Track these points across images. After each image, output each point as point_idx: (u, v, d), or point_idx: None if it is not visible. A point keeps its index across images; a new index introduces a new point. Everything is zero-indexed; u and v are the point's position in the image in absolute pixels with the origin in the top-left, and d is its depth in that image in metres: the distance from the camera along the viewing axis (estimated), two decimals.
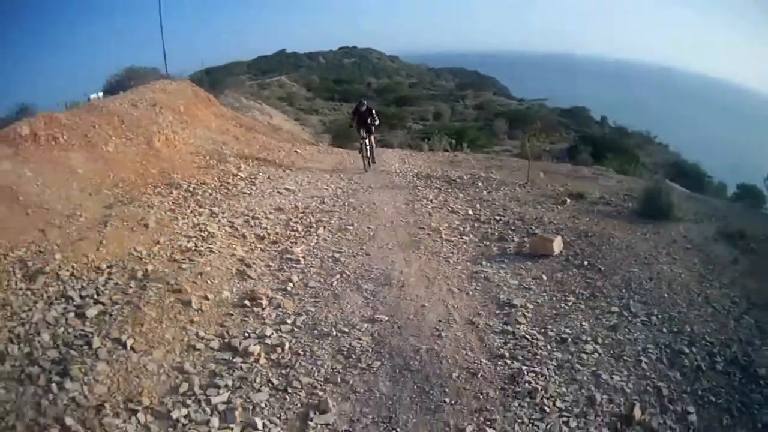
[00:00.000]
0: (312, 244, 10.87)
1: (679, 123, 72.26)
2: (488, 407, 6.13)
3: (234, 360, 6.99)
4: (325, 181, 16.15)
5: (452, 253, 10.47)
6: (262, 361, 7.00)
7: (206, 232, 10.83)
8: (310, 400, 6.31)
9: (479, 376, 6.64)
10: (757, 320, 7.72)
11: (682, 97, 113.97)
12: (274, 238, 11.13)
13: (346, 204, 13.63)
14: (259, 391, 6.45)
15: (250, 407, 6.19)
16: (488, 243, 10.95)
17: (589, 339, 7.36)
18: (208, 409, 6.09)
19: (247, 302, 8.42)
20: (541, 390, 6.33)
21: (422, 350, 7.14)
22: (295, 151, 21.27)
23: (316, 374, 6.77)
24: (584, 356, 6.99)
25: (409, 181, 16.18)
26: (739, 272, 9.15)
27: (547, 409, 6.06)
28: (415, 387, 6.47)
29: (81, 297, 7.75)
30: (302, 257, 10.13)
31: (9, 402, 5.71)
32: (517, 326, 7.70)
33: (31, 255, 8.42)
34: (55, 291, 7.79)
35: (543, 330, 7.63)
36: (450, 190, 14.95)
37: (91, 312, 7.40)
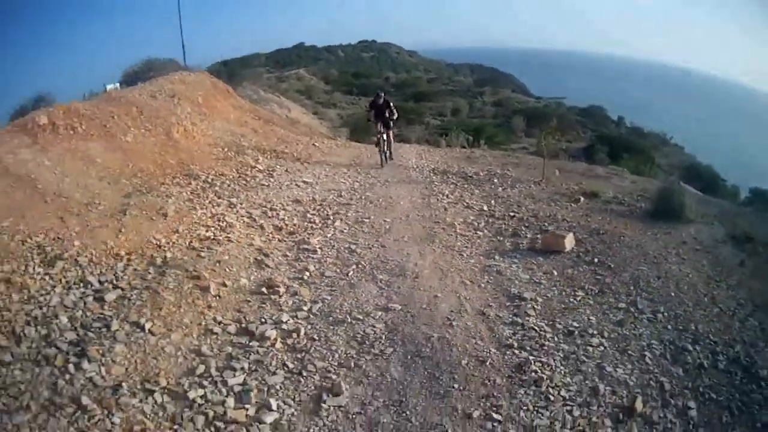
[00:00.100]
0: (329, 235, 11.04)
1: (696, 125, 71.95)
2: (495, 394, 6.32)
3: (250, 344, 7.18)
4: (342, 175, 16.27)
5: (466, 247, 10.63)
6: (278, 345, 7.18)
7: (224, 222, 11.03)
8: (324, 383, 6.50)
9: (488, 364, 6.83)
10: (761, 322, 7.81)
11: (699, 99, 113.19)
12: (292, 229, 11.31)
13: (363, 197, 13.79)
14: (274, 374, 6.64)
15: (266, 389, 6.38)
16: (502, 238, 11.10)
17: (595, 332, 7.52)
18: (224, 390, 6.27)
19: (264, 290, 8.59)
20: (547, 379, 6.51)
21: (434, 338, 7.34)
22: (313, 144, 21.41)
23: (330, 359, 6.97)
24: (590, 349, 7.15)
25: (426, 177, 16.29)
26: (745, 275, 9.22)
27: (552, 398, 6.23)
28: (426, 373, 6.67)
29: (100, 282, 7.93)
30: (319, 248, 10.31)
31: (24, 382, 5.84)
32: (527, 318, 7.88)
33: (50, 241, 8.56)
34: (73, 276, 7.93)
35: (551, 322, 7.80)
36: (466, 186, 15.06)
37: (110, 296, 7.58)
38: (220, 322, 7.64)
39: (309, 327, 7.66)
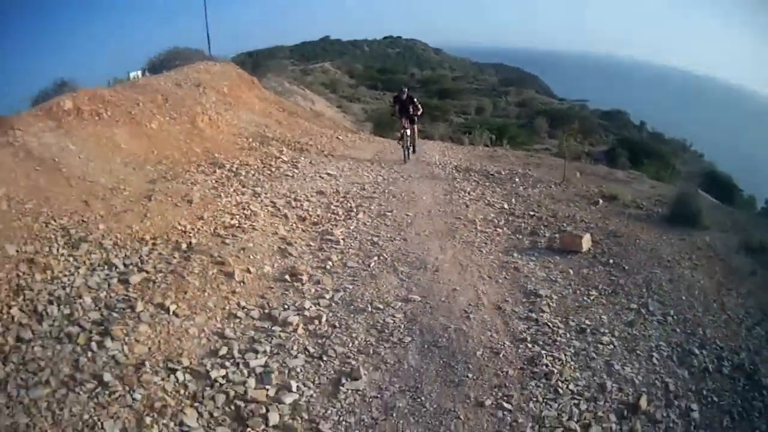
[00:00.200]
0: (351, 227, 11.27)
1: (717, 133, 71.19)
2: (507, 384, 6.57)
3: (273, 329, 7.45)
4: (365, 169, 16.46)
5: (485, 243, 10.82)
6: (300, 331, 7.46)
7: (249, 211, 11.27)
8: (343, 368, 6.77)
9: (501, 355, 7.09)
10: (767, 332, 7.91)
11: (722, 107, 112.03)
12: (315, 220, 11.55)
13: (386, 191, 14.00)
14: (295, 357, 6.91)
15: (286, 371, 6.65)
16: (520, 236, 11.28)
17: (606, 331, 7.72)
18: (245, 371, 6.54)
19: (287, 277, 8.87)
20: (557, 373, 6.74)
21: (451, 329, 7.60)
22: (337, 137, 21.62)
23: (350, 345, 7.25)
24: (600, 346, 7.35)
25: (449, 173, 16.43)
26: (756, 284, 9.24)
27: (561, 391, 6.46)
28: (442, 362, 6.93)
29: (125, 265, 8.19)
30: (342, 239, 10.56)
31: (44, 359, 6.02)
32: (541, 314, 8.11)
33: (74, 224, 8.80)
34: (97, 258, 8.17)
35: (565, 319, 8.02)
36: (487, 184, 15.20)
37: (135, 279, 7.83)
38: (243, 307, 7.93)
39: (330, 314, 7.94)
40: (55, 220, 8.65)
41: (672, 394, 6.59)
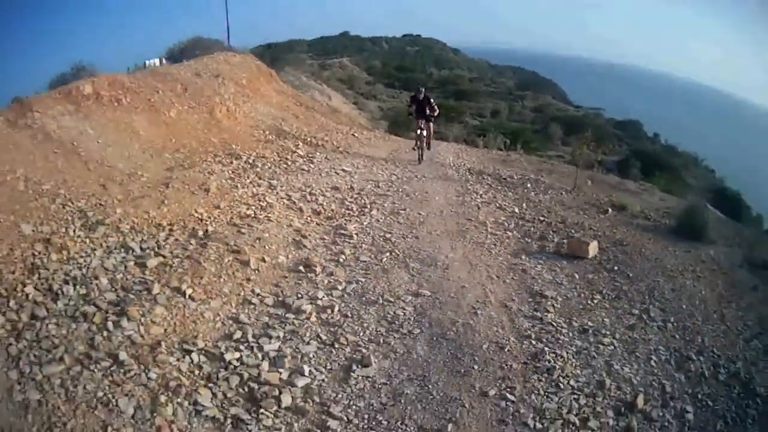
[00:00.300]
0: (365, 223, 11.49)
1: (730, 150, 70.88)
2: (510, 377, 6.88)
3: (287, 316, 7.74)
4: (380, 167, 16.58)
5: (495, 245, 11.04)
6: (313, 319, 7.75)
7: (265, 203, 11.49)
8: (354, 356, 7.07)
9: (506, 350, 7.40)
10: (765, 345, 8.07)
11: (736, 123, 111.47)
12: (330, 214, 11.78)
13: (400, 190, 14.18)
14: (308, 343, 7.21)
15: (299, 356, 6.93)
16: (529, 240, 11.47)
17: (608, 333, 8.00)
18: (259, 355, 6.82)
19: (301, 268, 9.14)
20: (559, 369, 7.04)
21: (458, 323, 7.90)
22: (353, 134, 21.77)
23: (361, 334, 7.54)
24: (601, 347, 7.64)
25: (462, 175, 16.55)
26: (757, 299, 9.42)
27: (562, 386, 6.76)
28: (449, 353, 7.24)
29: (141, 249, 8.42)
30: (355, 234, 10.79)
31: (59, 337, 6.15)
32: (546, 314, 8.40)
33: (92, 207, 8.99)
34: (114, 241, 8.37)
35: (568, 320, 8.30)
36: (500, 188, 15.34)
37: (152, 262, 8.06)
38: (258, 294, 8.20)
39: (343, 305, 8.23)
40: (72, 203, 8.82)
41: (668, 395, 6.86)
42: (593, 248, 10.74)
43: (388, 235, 10.94)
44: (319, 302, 8.18)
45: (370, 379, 6.68)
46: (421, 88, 18.64)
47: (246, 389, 6.26)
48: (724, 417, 6.64)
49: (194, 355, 6.55)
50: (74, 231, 8.18)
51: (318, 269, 9.17)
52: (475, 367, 7.03)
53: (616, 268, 10.24)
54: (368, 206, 12.58)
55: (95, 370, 5.83)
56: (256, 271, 8.76)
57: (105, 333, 6.40)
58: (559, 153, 38.32)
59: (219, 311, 7.57)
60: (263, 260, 9.12)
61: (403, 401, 6.37)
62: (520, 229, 12.10)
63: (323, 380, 6.62)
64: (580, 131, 33.95)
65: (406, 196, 13.72)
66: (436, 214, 12.54)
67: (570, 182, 15.97)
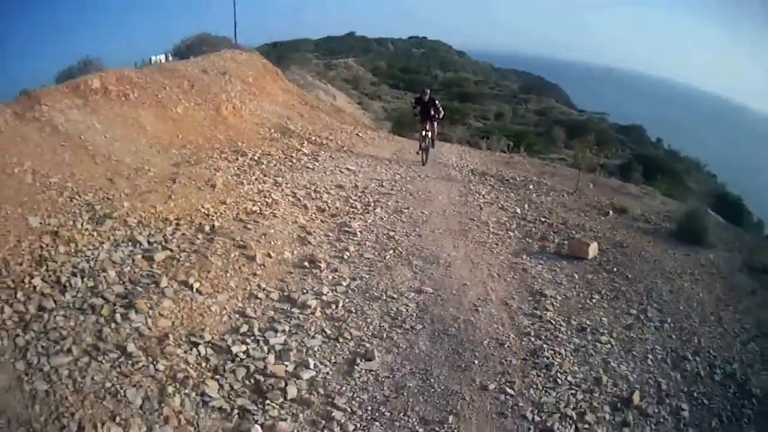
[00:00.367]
0: (369, 221, 11.61)
1: (732, 155, 70.74)
2: (510, 372, 7.02)
3: (292, 310, 7.84)
4: (384, 166, 16.66)
5: (497, 244, 11.16)
6: (318, 313, 7.86)
7: (270, 199, 11.58)
8: (358, 350, 7.19)
9: (506, 346, 7.54)
10: (762, 348, 8.18)
11: (738, 129, 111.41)
12: (334, 212, 11.88)
13: (403, 189, 14.28)
14: (313, 337, 7.31)
15: (304, 350, 7.03)
16: (531, 240, 11.61)
17: (605, 332, 8.14)
18: (265, 348, 6.91)
19: (306, 264, 9.26)
20: (557, 365, 7.19)
21: (460, 320, 8.04)
22: (357, 134, 21.81)
23: (364, 329, 7.66)
24: (599, 345, 7.78)
25: (465, 176, 16.69)
26: (755, 303, 9.56)
27: (560, 382, 6.91)
28: (450, 348, 7.37)
29: (149, 242, 8.48)
30: (359, 231, 10.90)
31: (66, 328, 6.17)
32: (545, 312, 8.54)
33: (99, 200, 9.01)
34: (122, 235, 8.40)
35: (567, 319, 8.43)
36: (502, 189, 15.47)
37: (159, 256, 8.12)
38: (263, 289, 8.31)
39: (347, 300, 8.35)
40: (79, 196, 8.86)
41: (664, 393, 7.00)
42: (593, 249, 10.87)
43: (391, 233, 11.06)
44: (324, 297, 8.29)
45: (373, 373, 6.80)
46: (426, 89, 18.46)
47: (252, 381, 6.36)
48: (719, 415, 6.74)
49: (201, 348, 6.63)
50: (82, 224, 8.23)
51: (323, 265, 9.29)
52: (476, 362, 7.17)
53: (615, 269, 10.37)
54: (372, 205, 12.69)
55: (103, 361, 5.89)
56: (262, 267, 8.86)
57: (113, 325, 6.45)
58: (561, 156, 38.29)
59: (226, 305, 7.67)
60: (269, 256, 9.23)
61: (405, 394, 6.50)
62: (521, 230, 12.23)
63: (328, 373, 6.73)
64: (583, 135, 33.99)
65: (410, 196, 13.84)
66: (438, 214, 12.66)
67: (572, 185, 16.09)
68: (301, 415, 6.00)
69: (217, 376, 6.30)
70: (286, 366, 6.67)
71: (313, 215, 11.55)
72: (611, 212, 13.78)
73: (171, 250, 8.43)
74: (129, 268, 7.70)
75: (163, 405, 5.64)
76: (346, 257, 9.79)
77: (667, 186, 24.72)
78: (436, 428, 6.03)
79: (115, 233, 8.37)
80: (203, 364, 6.44)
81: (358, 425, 5.96)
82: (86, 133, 10.82)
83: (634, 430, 6.35)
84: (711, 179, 52.38)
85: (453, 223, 12.17)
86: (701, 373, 7.47)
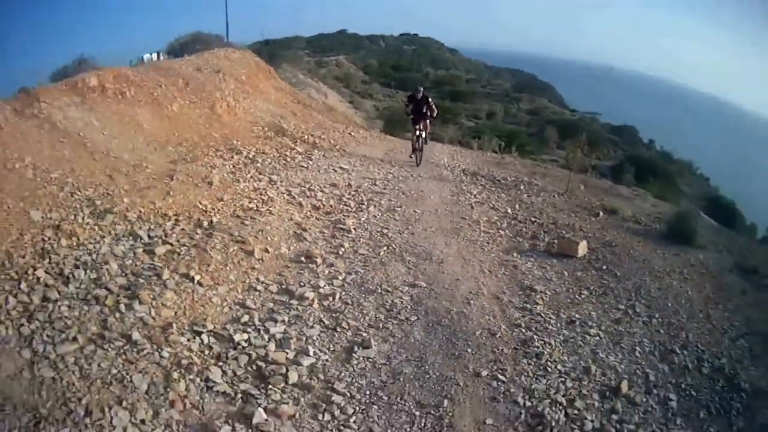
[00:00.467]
0: (362, 219, 11.80)
1: (726, 159, 71.00)
2: (501, 360, 7.27)
3: (290, 302, 8.05)
4: (376, 165, 16.85)
5: (488, 242, 11.37)
6: (315, 305, 8.07)
7: (266, 196, 11.79)
8: (355, 338, 7.41)
9: (497, 336, 7.80)
10: (751, 345, 8.32)
11: (733, 132, 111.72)
12: (328, 210, 12.08)
13: (396, 188, 14.50)
14: (312, 327, 7.53)
15: (304, 338, 7.25)
16: (521, 239, 11.81)
17: (594, 325, 8.38)
18: (266, 337, 7.11)
19: (303, 259, 9.46)
20: (547, 355, 7.44)
21: (453, 312, 8.28)
22: (349, 133, 21.99)
23: (361, 320, 7.89)
24: (587, 337, 8.03)
25: (456, 176, 16.85)
26: (746, 302, 9.72)
27: (550, 370, 7.16)
28: (444, 338, 7.62)
29: (149, 237, 8.65)
30: (353, 229, 11.11)
31: (71, 318, 6.29)
32: (535, 306, 8.79)
33: (99, 196, 9.16)
34: (122, 229, 8.56)
35: (556, 312, 8.68)
36: (493, 189, 15.64)
37: (160, 250, 8.31)
38: (262, 282, 8.52)
39: (343, 293, 8.56)
40: (80, 191, 9.00)
41: (652, 383, 7.22)
42: (582, 248, 11.08)
43: (385, 231, 11.26)
44: (321, 290, 8.49)
45: (370, 360, 7.02)
46: (419, 87, 18.55)
47: (254, 367, 6.55)
48: (707, 407, 6.93)
49: (204, 337, 6.80)
50: (83, 218, 8.36)
51: (319, 260, 9.49)
52: (469, 350, 7.41)
53: (604, 267, 10.59)
54: (365, 203, 12.89)
55: (109, 349, 6.02)
56: (260, 261, 9.06)
57: (117, 315, 6.60)
58: (553, 157, 38.31)
59: (226, 296, 7.86)
60: (266, 251, 9.43)
61: (402, 379, 6.73)
62: (512, 229, 12.43)
63: (327, 360, 6.94)
64: (575, 135, 34.23)
65: (402, 194, 14.04)
66: (431, 212, 12.87)
67: (563, 186, 16.26)
68: (302, 399, 6.20)
69: (220, 363, 6.48)
70: (287, 353, 6.87)
71: (308, 213, 11.73)
72: (601, 213, 13.95)
73: (171, 245, 8.60)
74: (131, 261, 7.85)
75: (168, 390, 5.79)
76: (341, 253, 9.99)
77: (659, 188, 24.71)
78: (432, 411, 6.26)
79: (115, 228, 8.52)
80: (206, 352, 6.61)
81: (357, 408, 6.18)
82: (85, 130, 10.95)
83: (623, 417, 6.54)
84: (704, 182, 52.70)
85: (445, 221, 12.37)
86: (689, 366, 7.67)
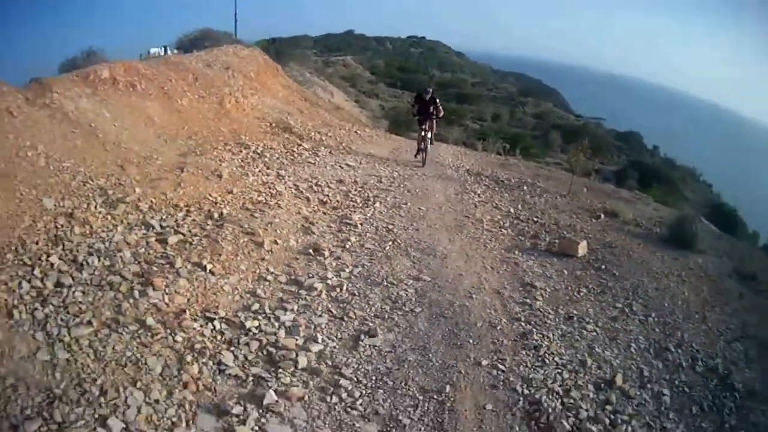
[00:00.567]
0: (368, 214, 12.03)
1: (729, 167, 71.01)
2: (501, 351, 7.55)
3: (299, 292, 8.33)
4: (382, 163, 17.01)
5: (490, 240, 11.61)
6: (323, 296, 8.34)
7: (274, 190, 11.98)
8: (362, 327, 7.70)
9: (498, 328, 8.08)
10: (746, 349, 8.49)
11: (737, 141, 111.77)
12: (335, 205, 12.32)
13: (401, 186, 14.70)
14: (320, 316, 7.81)
15: (312, 326, 7.52)
16: (523, 238, 12.04)
17: (591, 321, 8.64)
18: (276, 324, 7.37)
19: (311, 251, 9.72)
20: (545, 347, 7.71)
21: (456, 304, 8.56)
22: (355, 131, 22.07)
23: (367, 310, 8.17)
24: (584, 332, 8.29)
25: (461, 176, 16.99)
26: (743, 307, 9.88)
27: (547, 362, 7.42)
28: (447, 329, 7.90)
29: (161, 226, 8.82)
30: (360, 224, 11.34)
31: (85, 303, 6.42)
32: (535, 302, 9.05)
33: (111, 185, 9.27)
34: (135, 219, 8.72)
35: (555, 308, 8.93)
36: (497, 189, 15.80)
37: (172, 239, 8.49)
38: (272, 272, 8.77)
39: (350, 285, 8.83)
40: (92, 180, 9.10)
41: (646, 378, 7.45)
42: (582, 248, 11.30)
43: (390, 227, 11.49)
44: (329, 282, 8.76)
45: (376, 348, 7.31)
46: (428, 88, 18.57)
47: (265, 353, 6.80)
48: (700, 404, 7.12)
49: (216, 323, 7.03)
50: (95, 207, 8.49)
51: (326, 253, 9.74)
52: (470, 341, 7.70)
53: (603, 267, 10.80)
54: (371, 199, 13.11)
55: (123, 333, 6.22)
56: (270, 252, 9.29)
57: (131, 300, 6.78)
58: (557, 160, 38.26)
59: (237, 285, 8.10)
60: (275, 243, 9.66)
61: (406, 366, 7.01)
62: (514, 228, 12.63)
63: (335, 347, 7.22)
64: (579, 140, 34.25)
65: (407, 192, 14.24)
66: (435, 210, 13.10)
67: (565, 188, 16.38)
68: (311, 383, 6.47)
69: (232, 348, 6.73)
70: (296, 340, 7.12)
71: (316, 207, 11.94)
72: (602, 215, 14.09)
73: (183, 234, 8.80)
74: (143, 249, 8.04)
75: (182, 372, 6.02)
76: (347, 246, 10.24)
77: (662, 194, 24.74)
78: (435, 396, 6.55)
79: (128, 217, 8.69)
80: (218, 337, 6.86)
81: (364, 392, 6.47)
82: (96, 121, 11.07)
83: (617, 408, 6.78)
84: (707, 189, 52.66)
85: (449, 219, 12.61)
86: (683, 364, 7.88)
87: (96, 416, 5.10)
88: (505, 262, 10.63)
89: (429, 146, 17.95)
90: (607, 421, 6.56)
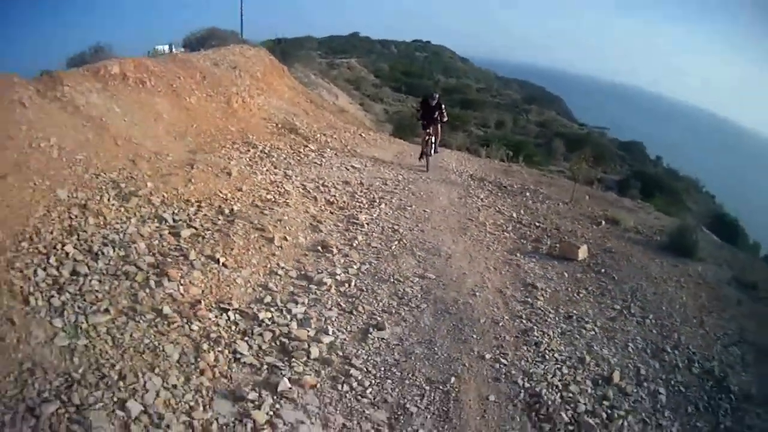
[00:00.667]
0: (374, 215, 12.29)
1: (732, 178, 71.11)
2: (503, 346, 7.86)
3: (310, 286, 8.63)
4: (387, 166, 17.21)
5: (493, 242, 11.85)
6: (333, 290, 8.64)
7: (282, 189, 12.22)
8: (370, 321, 8.00)
9: (500, 325, 8.39)
10: (743, 353, 8.61)
11: (741, 152, 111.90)
12: (342, 205, 12.59)
13: (406, 189, 14.93)
14: (330, 310, 8.12)
15: (323, 319, 7.81)
16: (525, 242, 12.25)
17: (590, 321, 8.90)
18: (288, 316, 7.67)
19: (319, 248, 10.02)
20: (545, 344, 8.00)
21: (460, 301, 8.87)
22: (360, 134, 22.21)
23: (375, 305, 8.46)
24: (583, 331, 8.56)
25: (464, 180, 17.19)
26: (741, 313, 9.99)
27: (547, 357, 7.71)
28: (451, 324, 8.21)
29: (174, 220, 9.03)
30: (366, 223, 11.62)
31: (101, 292, 6.59)
32: (536, 301, 9.33)
33: (123, 179, 9.42)
34: (147, 212, 8.89)
35: (555, 308, 9.20)
36: (500, 194, 15.99)
37: (185, 233, 8.72)
38: (282, 267, 9.06)
39: (358, 281, 9.13)
40: (104, 173, 9.25)
41: (643, 377, 7.69)
42: (583, 251, 11.52)
43: (395, 227, 11.76)
44: (338, 277, 9.06)
45: (384, 340, 7.60)
46: (435, 93, 18.70)
47: (278, 343, 7.10)
48: (696, 404, 7.31)
49: (230, 314, 7.29)
50: (108, 199, 8.64)
51: (334, 250, 10.03)
52: (474, 336, 8.00)
53: (603, 270, 11.01)
54: (377, 201, 13.36)
55: (140, 321, 6.42)
56: (280, 248, 9.57)
57: (147, 290, 6.99)
58: (560, 168, 38.17)
59: (249, 279, 8.38)
60: (285, 239, 9.94)
61: (413, 358, 7.31)
62: (516, 232, 12.85)
63: (345, 339, 7.52)
64: (582, 148, 34.21)
65: (412, 195, 14.49)
66: (439, 212, 13.34)
67: (568, 195, 16.49)
68: (323, 372, 6.78)
69: (246, 338, 7.01)
70: (308, 331, 7.41)
71: (323, 207, 12.21)
72: (603, 222, 14.24)
73: (195, 228, 9.04)
74: (157, 241, 8.27)
75: (198, 359, 6.27)
76: (355, 245, 10.52)
77: (665, 204, 24.67)
78: (440, 387, 6.85)
79: (141, 210, 8.88)
80: (233, 328, 7.13)
81: (373, 381, 6.78)
82: (107, 116, 11.24)
83: (614, 403, 7.03)
84: (709, 199, 52.59)
85: (453, 221, 12.85)
86: (679, 365, 8.09)
87: (115, 399, 5.24)
88: (507, 264, 10.88)
89: (433, 153, 18.09)
90: (604, 415, 6.80)
